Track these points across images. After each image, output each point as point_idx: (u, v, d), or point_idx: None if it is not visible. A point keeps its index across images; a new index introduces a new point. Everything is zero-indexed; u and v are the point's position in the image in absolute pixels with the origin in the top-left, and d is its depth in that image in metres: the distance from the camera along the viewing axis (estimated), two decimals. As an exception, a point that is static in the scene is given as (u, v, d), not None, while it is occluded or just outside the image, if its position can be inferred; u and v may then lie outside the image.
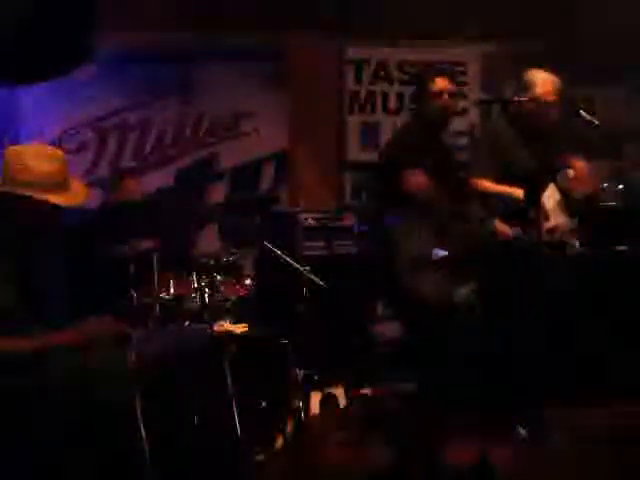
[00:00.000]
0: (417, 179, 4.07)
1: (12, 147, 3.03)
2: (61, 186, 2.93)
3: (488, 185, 4.24)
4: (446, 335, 3.92)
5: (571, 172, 4.35)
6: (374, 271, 5.12)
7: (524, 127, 4.29)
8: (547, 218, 4.20)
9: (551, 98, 4.25)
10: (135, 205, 5.26)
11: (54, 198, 2.89)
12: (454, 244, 4.06)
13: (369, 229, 5.98)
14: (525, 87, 4.27)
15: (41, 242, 3.14)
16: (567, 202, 4.33)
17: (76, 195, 2.99)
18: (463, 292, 4.05)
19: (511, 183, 4.19)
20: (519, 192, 4.12)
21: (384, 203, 4.38)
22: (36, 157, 2.92)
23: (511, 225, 4.14)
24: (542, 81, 4.25)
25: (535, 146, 4.28)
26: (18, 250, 2.93)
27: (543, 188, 4.20)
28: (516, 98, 4.27)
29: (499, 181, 4.22)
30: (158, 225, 4.61)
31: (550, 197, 4.27)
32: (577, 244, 4.26)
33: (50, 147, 3.13)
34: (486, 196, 4.24)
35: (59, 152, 3.04)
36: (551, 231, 4.18)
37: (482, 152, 4.39)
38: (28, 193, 2.86)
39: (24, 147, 3.04)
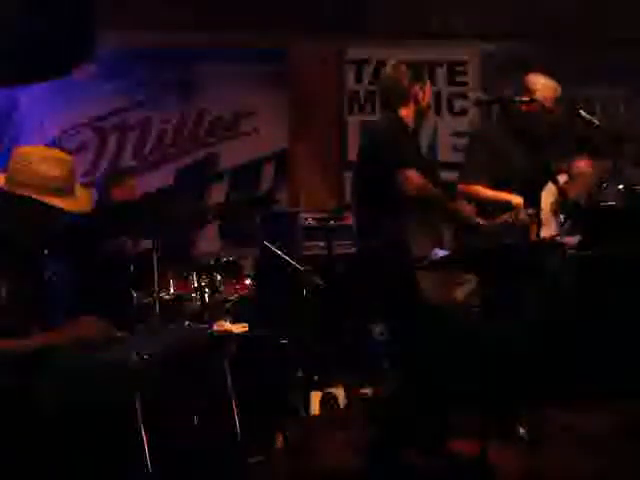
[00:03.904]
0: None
1: (20, 148, 3.03)
2: (66, 190, 2.92)
3: (485, 192, 4.15)
4: (446, 335, 3.92)
5: (563, 177, 4.33)
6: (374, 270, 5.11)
7: (522, 128, 4.28)
8: (541, 222, 4.16)
9: (549, 104, 4.24)
10: (133, 205, 5.25)
11: (57, 202, 2.89)
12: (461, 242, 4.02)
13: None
14: (525, 91, 4.25)
15: (42, 243, 3.14)
16: (563, 203, 4.30)
17: (80, 200, 2.99)
18: (465, 290, 4.01)
19: (509, 188, 4.14)
20: (518, 200, 4.07)
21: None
22: (43, 160, 2.91)
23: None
24: (542, 87, 4.24)
25: (532, 147, 4.26)
26: (19, 251, 2.93)
27: (541, 189, 4.18)
28: (517, 98, 4.26)
29: (497, 187, 4.15)
30: (158, 225, 4.60)
31: (546, 199, 4.25)
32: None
33: (58, 151, 3.12)
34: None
35: (67, 157, 3.03)
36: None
37: (477, 155, 4.34)
38: (31, 195, 2.86)
39: (32, 149, 3.03)
